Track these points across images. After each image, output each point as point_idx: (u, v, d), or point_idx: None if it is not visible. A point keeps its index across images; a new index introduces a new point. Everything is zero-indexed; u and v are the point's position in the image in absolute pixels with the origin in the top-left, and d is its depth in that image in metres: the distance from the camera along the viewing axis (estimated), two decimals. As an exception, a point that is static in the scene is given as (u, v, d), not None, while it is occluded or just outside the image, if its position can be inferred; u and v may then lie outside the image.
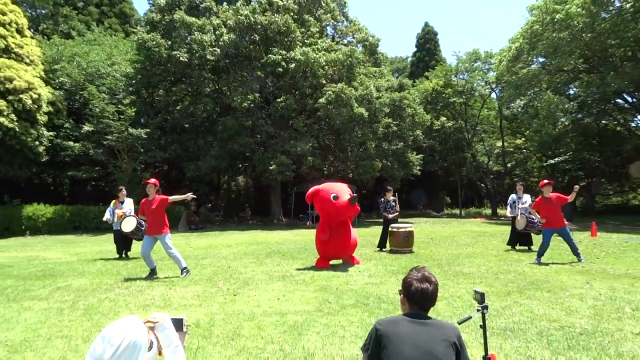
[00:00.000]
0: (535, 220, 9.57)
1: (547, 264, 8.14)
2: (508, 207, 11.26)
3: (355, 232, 8.65)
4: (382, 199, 11.15)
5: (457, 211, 33.20)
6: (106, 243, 13.48)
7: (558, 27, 20.01)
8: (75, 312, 5.12)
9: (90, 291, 6.22)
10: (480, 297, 2.49)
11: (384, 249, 10.72)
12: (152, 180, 7.65)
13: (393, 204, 10.99)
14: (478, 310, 2.50)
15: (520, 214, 10.22)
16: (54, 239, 16.02)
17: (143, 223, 9.11)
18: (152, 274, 7.41)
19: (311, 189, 8.34)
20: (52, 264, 9.20)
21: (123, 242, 10.33)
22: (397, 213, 11.10)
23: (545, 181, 8.85)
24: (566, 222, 8.64)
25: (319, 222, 8.49)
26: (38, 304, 5.51)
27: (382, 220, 11.31)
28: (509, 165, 32.29)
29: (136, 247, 10.34)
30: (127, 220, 9.35)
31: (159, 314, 2.07)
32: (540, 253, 8.52)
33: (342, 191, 8.04)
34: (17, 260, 10.00)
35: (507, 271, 7.41)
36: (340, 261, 8.62)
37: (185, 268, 7.42)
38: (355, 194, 7.89)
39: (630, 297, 5.40)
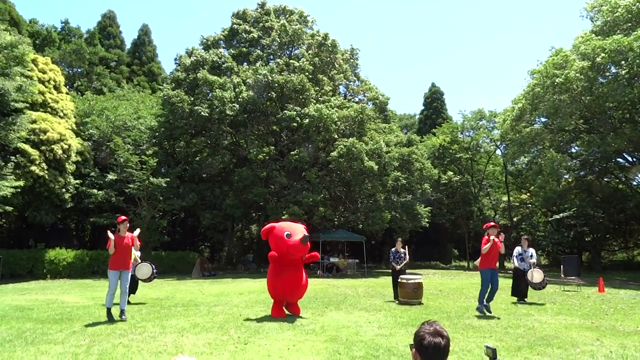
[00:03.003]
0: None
1: (556, 318, 8.10)
2: (514, 259, 11.38)
3: (306, 276, 8.40)
4: (393, 249, 11.23)
5: (464, 263, 33.11)
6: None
7: (558, 90, 20.34)
8: (90, 357, 5.07)
9: (104, 336, 6.24)
10: (492, 353, 2.39)
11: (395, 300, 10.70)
12: (124, 217, 7.87)
13: (402, 254, 11.10)
14: None
15: (533, 267, 10.43)
16: (73, 283, 16.11)
17: (156, 269, 9.77)
18: (110, 316, 7.44)
19: (267, 226, 8.27)
20: (70, 307, 9.29)
21: (131, 285, 10.32)
22: (406, 263, 11.13)
23: (492, 223, 9.13)
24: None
25: (270, 262, 8.25)
26: (54, 348, 5.48)
27: (390, 270, 11.34)
28: (515, 219, 32.49)
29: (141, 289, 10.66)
30: (142, 267, 9.89)
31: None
32: (482, 298, 8.53)
33: (296, 230, 7.98)
34: (37, 303, 10.13)
35: (517, 325, 7.33)
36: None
37: (124, 311, 7.57)
38: (306, 234, 7.83)
39: (642, 356, 5.19)
